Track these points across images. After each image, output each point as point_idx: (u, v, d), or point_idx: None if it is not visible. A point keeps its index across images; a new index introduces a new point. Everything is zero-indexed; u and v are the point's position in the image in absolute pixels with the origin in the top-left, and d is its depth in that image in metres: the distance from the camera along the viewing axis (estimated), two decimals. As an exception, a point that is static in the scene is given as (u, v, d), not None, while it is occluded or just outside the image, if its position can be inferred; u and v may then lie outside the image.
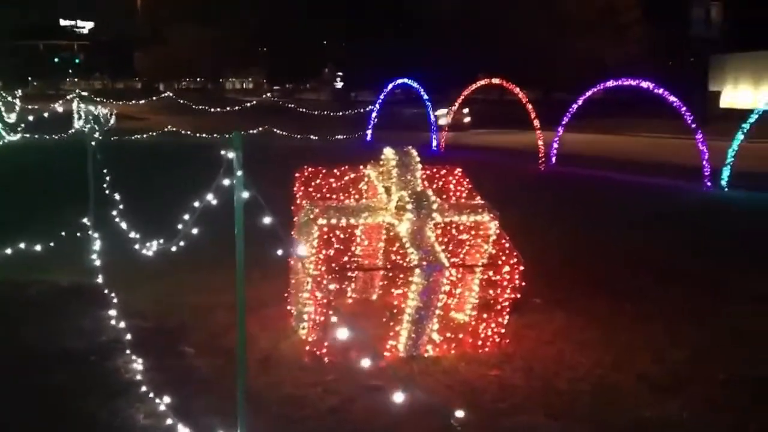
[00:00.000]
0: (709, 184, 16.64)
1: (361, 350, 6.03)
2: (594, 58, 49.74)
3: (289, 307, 6.78)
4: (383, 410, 4.89)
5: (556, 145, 20.55)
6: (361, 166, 6.71)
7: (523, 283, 5.91)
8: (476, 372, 5.70)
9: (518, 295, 5.96)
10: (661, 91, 17.87)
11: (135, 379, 5.34)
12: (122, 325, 6.17)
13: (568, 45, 44.45)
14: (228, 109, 38.05)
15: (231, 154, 3.84)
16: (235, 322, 6.81)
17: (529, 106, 21.38)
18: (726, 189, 16.35)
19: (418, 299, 5.66)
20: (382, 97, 28.09)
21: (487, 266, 6.01)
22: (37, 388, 5.29)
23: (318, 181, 6.63)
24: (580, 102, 20.02)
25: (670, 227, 12.06)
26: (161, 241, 6.17)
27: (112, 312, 6.42)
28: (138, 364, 5.55)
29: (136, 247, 6.82)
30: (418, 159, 6.17)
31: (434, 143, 24.88)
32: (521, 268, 5.80)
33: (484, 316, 6.13)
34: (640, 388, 5.50)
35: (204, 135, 28.28)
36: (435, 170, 6.83)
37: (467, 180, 6.85)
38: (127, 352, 5.78)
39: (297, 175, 6.66)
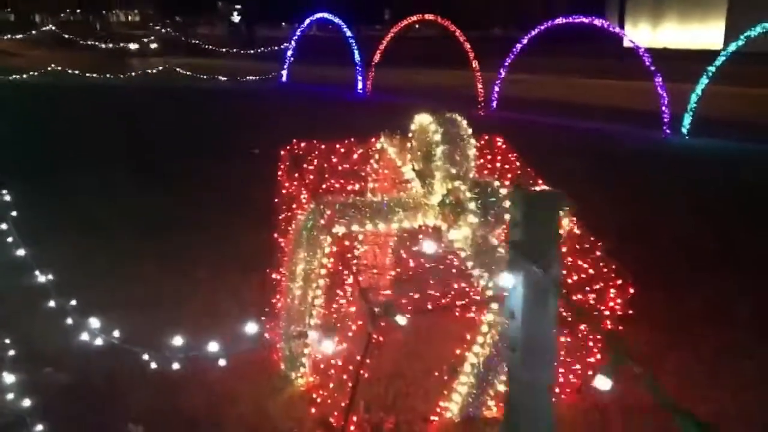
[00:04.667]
0: (668, 131, 15.45)
1: (396, 413, 4.20)
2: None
3: (267, 336, 4.79)
4: None
5: (497, 88, 18.89)
6: (373, 139, 4.69)
7: (630, 312, 4.13)
8: (567, 443, 3.96)
9: (621, 328, 4.19)
10: (616, 29, 16.47)
11: None
12: (27, 398, 3.97)
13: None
14: (122, 45, 34.01)
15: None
16: (188, 366, 4.78)
17: (467, 45, 19.53)
18: (687, 137, 15.21)
19: (491, 345, 3.80)
20: (298, 33, 25.45)
21: (586, 292, 4.18)
22: None
23: (311, 162, 4.56)
24: (525, 41, 18.30)
25: (652, 185, 10.68)
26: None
27: (9, 374, 4.17)
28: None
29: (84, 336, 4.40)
30: (470, 131, 4.21)
31: (360, 85, 22.63)
32: (631, 291, 4.01)
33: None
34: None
35: (95, 75, 24.86)
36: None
37: (515, 154, 4.96)
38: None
39: (282, 153, 4.56)
